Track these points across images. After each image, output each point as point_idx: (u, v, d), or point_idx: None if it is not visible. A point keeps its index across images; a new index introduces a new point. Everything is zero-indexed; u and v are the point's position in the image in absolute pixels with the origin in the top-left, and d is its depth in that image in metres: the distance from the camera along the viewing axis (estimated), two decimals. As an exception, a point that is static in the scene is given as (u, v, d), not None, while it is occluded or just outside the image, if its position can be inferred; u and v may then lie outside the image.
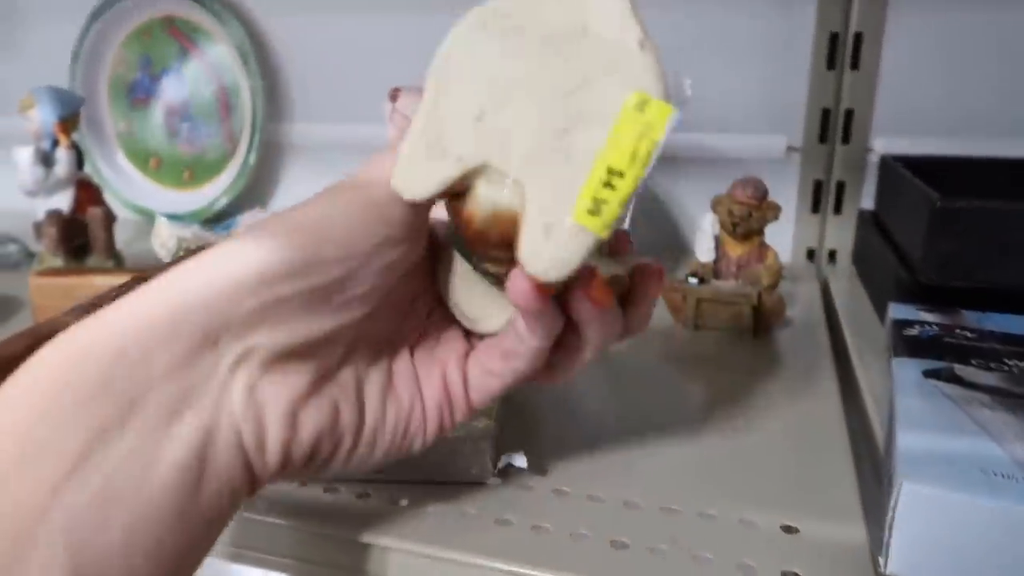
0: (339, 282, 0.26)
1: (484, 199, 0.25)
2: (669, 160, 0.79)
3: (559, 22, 0.25)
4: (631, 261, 0.32)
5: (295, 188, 0.98)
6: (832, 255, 0.78)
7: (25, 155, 0.69)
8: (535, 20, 0.25)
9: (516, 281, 0.25)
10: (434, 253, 0.32)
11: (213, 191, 0.96)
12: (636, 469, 0.40)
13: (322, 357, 0.27)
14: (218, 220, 0.93)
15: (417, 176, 0.25)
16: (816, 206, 0.77)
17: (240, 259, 0.25)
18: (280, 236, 0.25)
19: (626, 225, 0.58)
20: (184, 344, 0.23)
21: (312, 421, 0.27)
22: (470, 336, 0.32)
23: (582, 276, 0.26)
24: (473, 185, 0.25)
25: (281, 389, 0.26)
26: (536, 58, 0.25)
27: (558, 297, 0.28)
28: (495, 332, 0.30)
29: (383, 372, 0.30)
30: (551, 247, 0.23)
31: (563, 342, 0.30)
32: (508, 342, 0.29)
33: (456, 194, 0.26)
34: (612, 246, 0.33)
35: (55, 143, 0.71)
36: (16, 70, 1.08)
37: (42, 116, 0.71)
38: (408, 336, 0.31)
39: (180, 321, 0.24)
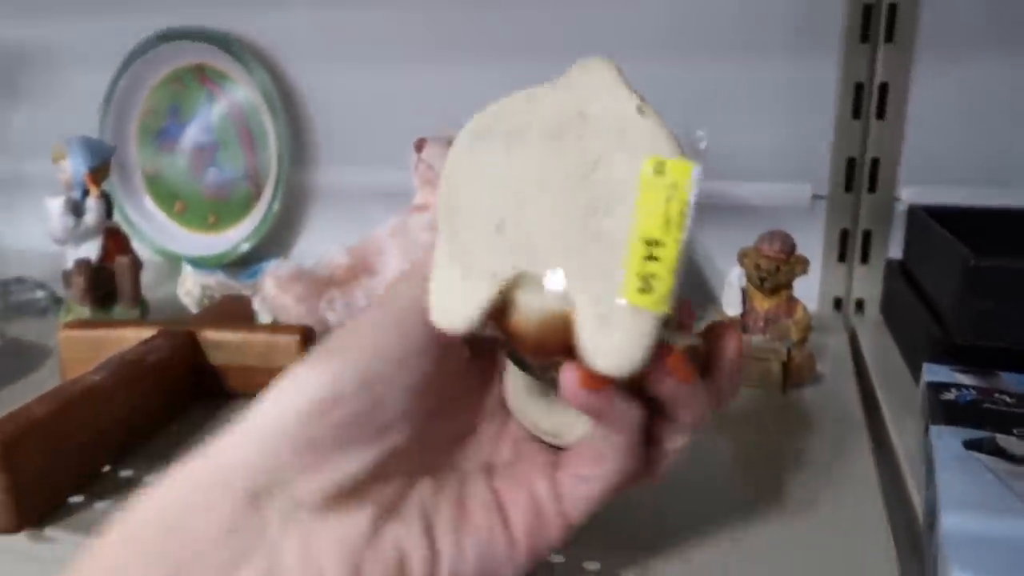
0: (367, 407, 0.25)
1: (528, 308, 0.23)
2: (699, 207, 0.78)
3: (555, 114, 0.24)
4: (699, 329, 0.30)
5: (318, 233, 0.99)
6: (860, 304, 0.77)
7: (56, 205, 0.70)
8: (531, 118, 0.25)
9: (565, 382, 0.24)
10: (492, 372, 0.30)
11: (237, 235, 0.97)
12: (659, 538, 0.39)
13: (376, 494, 0.25)
14: (242, 264, 0.93)
15: (455, 306, 0.24)
16: (843, 255, 0.76)
17: (275, 408, 0.25)
18: (309, 370, 0.25)
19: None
20: (228, 508, 0.23)
21: (378, 568, 0.25)
22: (554, 446, 0.30)
23: (655, 356, 0.24)
24: (513, 298, 0.24)
25: (337, 538, 0.24)
26: (542, 153, 0.24)
27: (634, 383, 0.25)
28: (567, 438, 0.28)
29: (453, 502, 0.27)
30: (613, 338, 0.22)
31: (654, 432, 0.27)
32: (595, 444, 0.27)
33: (499, 311, 0.24)
34: (678, 319, 0.30)
35: (85, 192, 0.72)
36: (48, 115, 1.10)
37: (73, 166, 0.72)
38: (477, 457, 0.29)
39: (222, 484, 0.23)
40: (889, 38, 0.70)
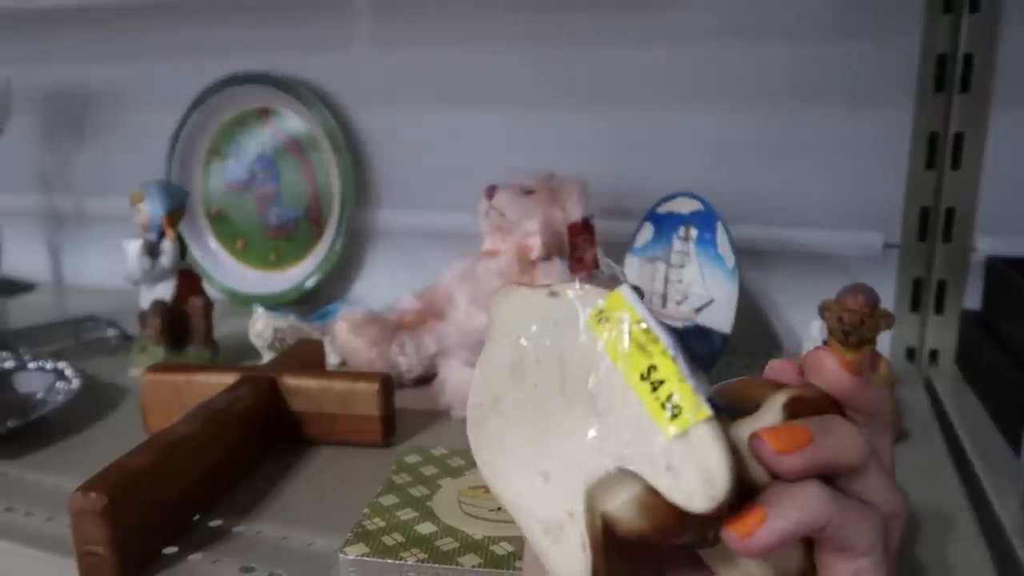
0: None
1: (618, 515, 0.22)
2: (762, 255, 0.78)
3: (511, 372, 0.25)
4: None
5: (377, 273, 0.99)
6: (933, 355, 0.75)
7: (134, 247, 0.72)
8: (501, 388, 0.25)
9: (733, 533, 0.22)
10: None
11: (300, 273, 0.98)
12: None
13: None
14: (303, 304, 0.94)
15: (566, 564, 0.23)
16: (915, 305, 0.75)
17: None
18: None
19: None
20: None
21: None
22: None
23: (756, 450, 0.23)
24: (601, 516, 0.23)
25: None
26: (535, 405, 0.24)
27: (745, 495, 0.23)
28: (794, 570, 0.25)
29: None
30: (690, 475, 0.21)
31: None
32: (833, 532, 0.23)
33: (607, 536, 0.23)
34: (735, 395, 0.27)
35: (161, 235, 0.74)
36: (113, 155, 1.13)
37: (151, 210, 0.73)
38: None
39: None
40: (964, 88, 0.70)
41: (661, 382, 0.22)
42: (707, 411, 0.21)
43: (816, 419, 0.23)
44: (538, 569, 0.26)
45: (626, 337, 0.22)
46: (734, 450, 0.22)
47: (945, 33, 0.69)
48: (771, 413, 0.23)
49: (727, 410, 0.23)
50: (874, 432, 0.25)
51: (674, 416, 0.21)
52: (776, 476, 0.23)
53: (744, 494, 0.22)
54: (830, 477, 0.23)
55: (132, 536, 0.40)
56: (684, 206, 0.69)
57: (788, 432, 0.23)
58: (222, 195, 1.03)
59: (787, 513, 0.22)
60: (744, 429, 0.23)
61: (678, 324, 0.68)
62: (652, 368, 0.22)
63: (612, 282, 0.24)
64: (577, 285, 0.24)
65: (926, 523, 0.46)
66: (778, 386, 0.25)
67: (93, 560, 0.39)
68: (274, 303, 0.93)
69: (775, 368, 0.27)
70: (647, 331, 0.22)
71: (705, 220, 0.67)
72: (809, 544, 0.24)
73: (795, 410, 0.23)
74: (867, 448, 0.23)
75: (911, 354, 0.76)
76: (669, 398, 0.21)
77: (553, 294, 0.24)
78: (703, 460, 0.21)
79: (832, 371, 0.25)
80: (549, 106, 0.86)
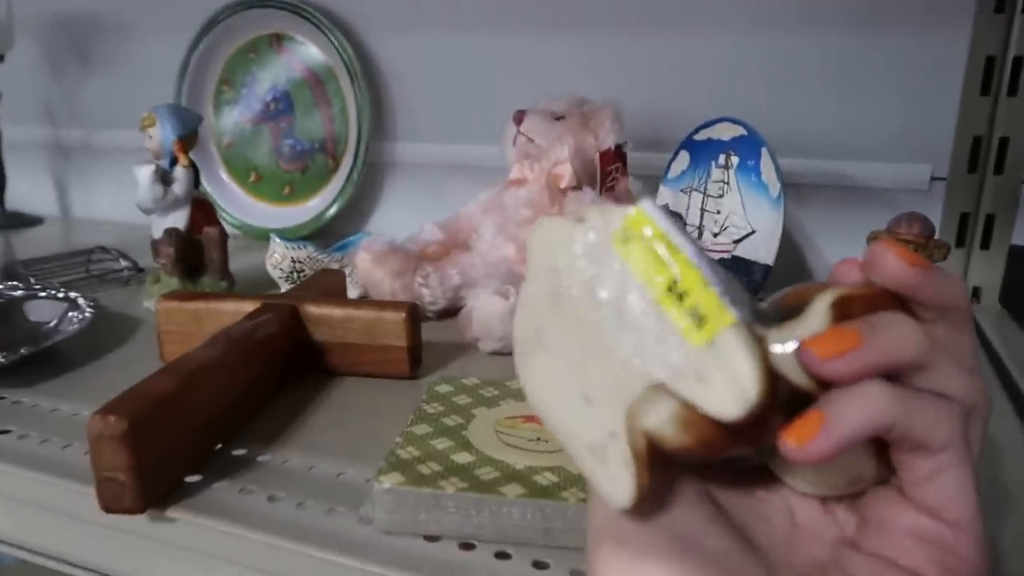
0: None
1: (663, 430, 0.22)
2: (804, 188, 0.74)
3: (551, 300, 0.25)
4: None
5: (395, 205, 0.96)
6: (975, 293, 0.72)
7: (145, 173, 0.69)
8: (544, 318, 0.25)
9: (789, 442, 0.21)
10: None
11: (317, 206, 0.95)
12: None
13: None
14: (320, 238, 0.91)
15: (611, 483, 0.23)
16: (961, 239, 0.72)
17: None
18: None
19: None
20: None
21: None
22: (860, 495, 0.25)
23: (803, 360, 0.21)
24: (644, 435, 0.22)
25: None
26: (571, 330, 0.24)
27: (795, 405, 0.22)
28: (869, 473, 0.24)
29: None
30: (718, 383, 0.20)
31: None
32: (906, 430, 0.21)
33: (652, 453, 0.23)
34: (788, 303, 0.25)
35: (174, 161, 0.71)
36: (121, 85, 1.09)
37: (162, 135, 0.70)
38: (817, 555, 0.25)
39: None
40: (1027, 7, 0.65)
41: (686, 293, 0.21)
42: (733, 316, 0.21)
43: (867, 318, 0.22)
44: (598, 499, 0.25)
45: (649, 251, 0.22)
46: (781, 359, 0.21)
47: (1009, -53, 0.65)
48: (817, 314, 0.22)
49: (778, 318, 0.22)
50: (948, 326, 0.23)
51: (700, 325, 0.21)
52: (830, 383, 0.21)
53: (801, 402, 0.21)
54: (896, 376, 0.21)
55: (153, 463, 0.38)
56: (725, 132, 0.65)
57: (834, 336, 0.21)
58: (234, 126, 1.00)
59: (846, 416, 0.21)
60: (787, 333, 0.21)
61: (715, 257, 0.65)
62: (676, 279, 0.22)
63: (635, 200, 0.23)
64: (600, 208, 0.23)
65: (981, 461, 0.44)
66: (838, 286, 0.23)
67: (113, 487, 0.37)
68: (289, 236, 0.90)
69: (843, 270, 0.24)
70: (669, 244, 0.22)
71: (748, 146, 0.63)
72: (883, 445, 0.22)
73: (844, 309, 0.22)
74: (927, 341, 0.21)
75: (965, 285, 0.73)
76: (695, 308, 0.21)
77: (580, 220, 0.24)
78: (731, 365, 0.20)
79: (893, 265, 0.22)
80: (579, 29, 0.82)
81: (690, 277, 0.21)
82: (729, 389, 0.20)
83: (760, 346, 0.21)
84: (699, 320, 0.21)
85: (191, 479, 0.41)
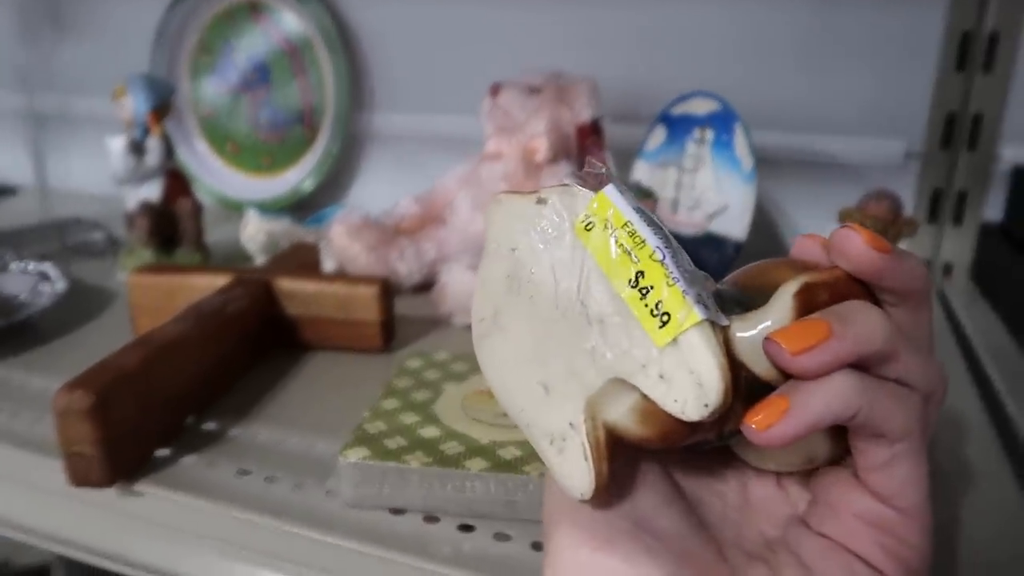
0: None
1: (624, 422, 0.22)
2: (775, 163, 0.74)
3: (508, 280, 0.24)
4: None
5: (374, 178, 0.96)
6: (947, 269, 0.73)
7: (118, 144, 0.68)
8: (498, 299, 0.25)
9: (750, 427, 0.21)
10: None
11: (295, 177, 0.94)
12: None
13: None
14: (297, 210, 0.91)
15: (569, 474, 0.23)
16: (933, 215, 0.72)
17: None
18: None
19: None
20: None
21: None
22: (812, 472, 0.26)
23: (772, 355, 0.21)
24: (603, 427, 0.22)
25: None
26: (529, 316, 0.24)
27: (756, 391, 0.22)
28: (823, 454, 0.25)
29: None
30: (684, 384, 0.20)
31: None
32: (863, 418, 0.22)
33: (611, 442, 0.23)
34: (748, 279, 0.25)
35: (146, 131, 0.70)
36: (95, 51, 1.07)
37: (135, 104, 0.69)
38: (762, 531, 0.26)
39: None
40: (1004, -18, 0.65)
41: (650, 288, 0.21)
42: (697, 316, 0.20)
43: (834, 309, 0.21)
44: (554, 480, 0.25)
45: (612, 242, 0.22)
46: (743, 348, 0.21)
47: (987, -78, 0.64)
48: (781, 304, 0.21)
49: (739, 302, 0.22)
50: (909, 309, 0.23)
51: (664, 323, 0.20)
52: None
53: (765, 388, 0.21)
54: (861, 365, 0.21)
55: (121, 437, 0.38)
56: (700, 107, 0.65)
57: (803, 330, 0.21)
58: (211, 96, 0.98)
59: (811, 403, 0.21)
60: (750, 324, 0.21)
61: (689, 232, 0.65)
62: (640, 274, 0.21)
63: (602, 183, 0.22)
64: (563, 189, 0.23)
65: (945, 430, 0.45)
66: (801, 267, 0.23)
67: (80, 461, 0.37)
68: (267, 209, 0.90)
69: (803, 244, 0.24)
70: (633, 235, 0.21)
71: (723, 121, 0.63)
72: (840, 427, 0.22)
73: (808, 298, 0.22)
74: (893, 331, 0.21)
75: (926, 267, 0.73)
76: (658, 304, 0.21)
77: (541, 201, 0.23)
78: (693, 367, 0.20)
79: (859, 251, 0.22)
80: (556, 2, 0.81)
81: (654, 272, 0.21)
82: (692, 391, 0.20)
83: (723, 340, 0.21)
84: (662, 317, 0.21)
85: (160, 453, 0.42)
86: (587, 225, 0.22)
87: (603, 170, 0.23)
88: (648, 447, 0.22)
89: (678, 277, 0.21)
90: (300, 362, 0.54)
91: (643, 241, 0.21)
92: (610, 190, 0.22)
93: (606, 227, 0.22)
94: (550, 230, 0.23)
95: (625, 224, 0.21)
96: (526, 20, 0.83)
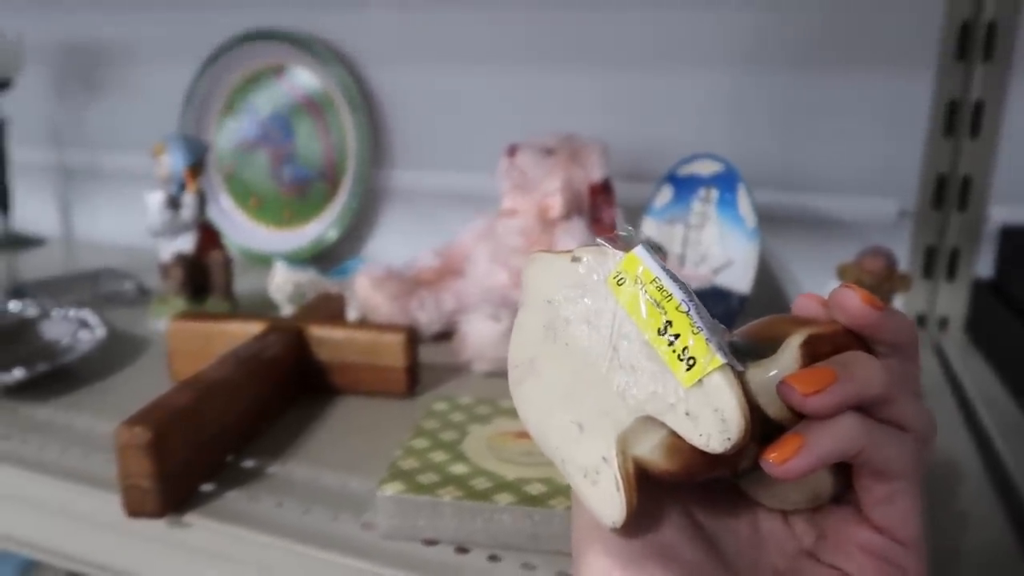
0: None
1: (652, 456, 0.25)
2: (776, 220, 0.79)
3: (541, 330, 0.27)
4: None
5: (391, 231, 1.00)
6: (943, 323, 0.76)
7: (156, 199, 0.72)
8: (533, 348, 0.27)
9: (770, 462, 0.23)
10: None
11: (315, 231, 0.98)
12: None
13: None
14: (316, 262, 0.95)
15: (603, 504, 0.25)
16: (928, 271, 0.76)
17: None
18: None
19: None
20: None
21: None
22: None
23: (785, 397, 0.24)
24: (632, 461, 0.25)
25: None
26: (560, 358, 0.26)
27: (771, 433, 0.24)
28: (827, 492, 0.27)
29: None
30: (709, 421, 0.23)
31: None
32: (869, 458, 0.25)
33: (639, 475, 0.25)
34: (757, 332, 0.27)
35: (182, 187, 0.74)
36: (125, 111, 1.13)
37: (172, 162, 0.73)
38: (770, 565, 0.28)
39: None
40: (987, 56, 0.70)
41: (677, 336, 0.23)
42: (720, 360, 0.23)
43: (837, 358, 0.25)
44: (583, 509, 0.27)
45: (642, 296, 0.24)
46: (757, 392, 0.24)
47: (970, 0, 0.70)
48: (788, 354, 0.25)
49: (750, 352, 0.25)
50: (901, 360, 0.26)
51: (690, 367, 0.23)
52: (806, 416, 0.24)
53: (775, 429, 0.24)
54: (863, 408, 0.25)
55: (174, 471, 0.41)
56: (705, 168, 0.70)
57: (813, 375, 0.24)
58: (235, 152, 1.03)
59: (822, 440, 0.24)
60: (763, 371, 0.24)
61: (695, 286, 0.69)
62: (668, 324, 0.24)
63: (629, 244, 0.25)
64: (595, 249, 0.26)
65: (940, 481, 0.47)
66: (803, 323, 0.26)
67: (137, 493, 0.40)
68: (288, 260, 0.94)
69: (803, 303, 0.28)
70: (661, 289, 0.24)
71: (726, 181, 0.68)
72: (839, 468, 0.26)
73: (813, 349, 0.25)
74: (890, 378, 0.25)
75: (921, 321, 0.77)
76: (685, 350, 0.23)
77: (575, 259, 0.26)
78: (717, 405, 0.23)
79: (855, 308, 0.25)
80: (566, 67, 0.86)
81: (680, 322, 0.24)
82: (716, 426, 0.23)
83: (740, 383, 0.23)
84: (688, 361, 0.23)
85: (205, 488, 0.45)
86: (619, 280, 0.25)
87: (631, 232, 0.27)
88: (672, 480, 0.25)
89: (702, 327, 0.23)
90: (330, 405, 0.57)
91: (670, 295, 0.24)
92: (639, 250, 0.25)
93: (636, 282, 0.24)
94: (585, 283, 0.26)
95: (654, 280, 0.24)
96: (539, 84, 0.88)
